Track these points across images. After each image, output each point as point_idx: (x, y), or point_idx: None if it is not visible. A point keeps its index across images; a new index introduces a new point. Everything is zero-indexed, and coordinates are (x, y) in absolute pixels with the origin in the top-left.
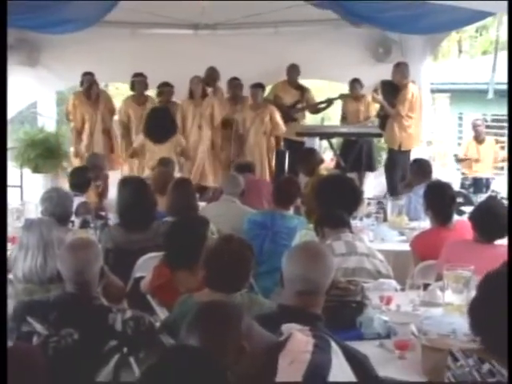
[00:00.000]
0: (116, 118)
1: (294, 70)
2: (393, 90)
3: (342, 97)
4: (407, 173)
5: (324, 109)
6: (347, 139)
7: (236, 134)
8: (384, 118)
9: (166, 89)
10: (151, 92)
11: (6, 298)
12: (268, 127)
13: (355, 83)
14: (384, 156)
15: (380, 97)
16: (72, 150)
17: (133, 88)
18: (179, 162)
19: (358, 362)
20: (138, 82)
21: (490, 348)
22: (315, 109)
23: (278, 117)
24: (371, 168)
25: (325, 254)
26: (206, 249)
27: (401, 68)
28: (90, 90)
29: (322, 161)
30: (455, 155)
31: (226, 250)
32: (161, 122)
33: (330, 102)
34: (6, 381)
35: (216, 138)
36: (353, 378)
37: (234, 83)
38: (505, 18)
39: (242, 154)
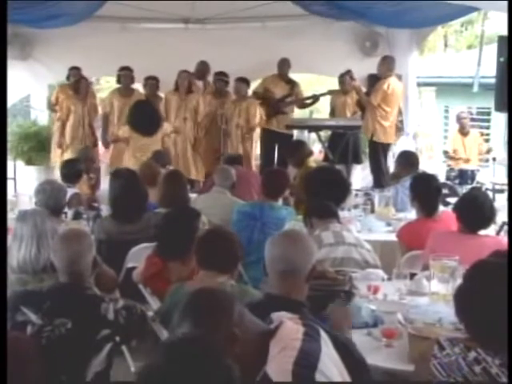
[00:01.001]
0: (100, 112)
1: (284, 64)
2: (375, 83)
3: (330, 92)
4: (386, 165)
5: (310, 104)
6: (335, 132)
7: (221, 127)
8: (364, 109)
9: (150, 82)
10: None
11: (6, 289)
12: (243, 119)
13: (345, 77)
14: None
15: (357, 85)
16: (54, 141)
17: (119, 81)
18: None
19: (346, 350)
20: (124, 76)
21: (475, 336)
22: (302, 104)
23: (253, 109)
24: (358, 160)
25: (304, 237)
26: (198, 236)
27: (387, 61)
28: (78, 83)
29: (311, 153)
30: (445, 152)
31: (217, 231)
32: (148, 116)
33: (316, 98)
34: (6, 372)
35: (200, 131)
36: (341, 366)
37: (217, 78)
38: (490, 13)
39: (226, 148)
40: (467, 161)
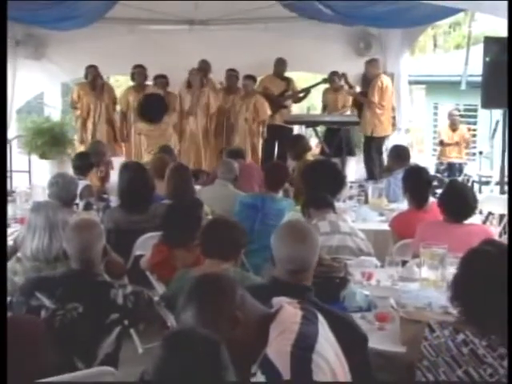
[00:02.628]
0: (118, 107)
1: (280, 64)
2: (368, 83)
3: (324, 81)
4: (381, 157)
5: (303, 98)
6: (329, 128)
7: (228, 122)
8: (360, 108)
9: (160, 80)
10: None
11: (6, 285)
12: (251, 114)
13: (334, 76)
14: None
15: (352, 90)
16: (77, 137)
17: (133, 79)
18: (175, 146)
19: (347, 326)
20: (138, 73)
21: (469, 319)
22: (297, 98)
23: (262, 104)
24: (352, 153)
25: (310, 232)
26: (203, 225)
27: (372, 63)
28: (95, 81)
29: (310, 147)
30: (441, 141)
31: (220, 220)
32: (153, 104)
33: (307, 90)
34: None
35: (211, 125)
36: (337, 348)
37: (229, 74)
38: (477, 15)
39: (232, 141)
40: (457, 144)
